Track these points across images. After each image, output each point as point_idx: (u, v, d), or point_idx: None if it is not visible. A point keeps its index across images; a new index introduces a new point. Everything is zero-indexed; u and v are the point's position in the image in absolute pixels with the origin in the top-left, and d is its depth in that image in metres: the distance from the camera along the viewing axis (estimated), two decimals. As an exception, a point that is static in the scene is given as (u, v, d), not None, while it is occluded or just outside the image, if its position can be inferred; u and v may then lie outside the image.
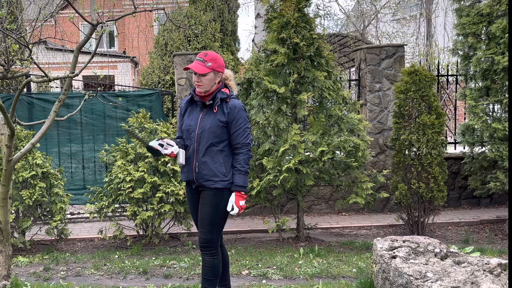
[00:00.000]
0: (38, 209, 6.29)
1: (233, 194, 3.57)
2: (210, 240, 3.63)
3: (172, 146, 3.61)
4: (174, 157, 3.66)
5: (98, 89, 7.32)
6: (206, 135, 3.59)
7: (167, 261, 5.51)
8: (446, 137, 7.83)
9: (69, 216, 7.44)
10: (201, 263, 5.38)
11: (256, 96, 6.09)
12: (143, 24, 10.54)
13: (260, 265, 5.30)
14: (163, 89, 10.80)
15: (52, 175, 6.25)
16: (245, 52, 34.03)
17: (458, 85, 8.55)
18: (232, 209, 3.57)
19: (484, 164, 6.77)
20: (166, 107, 10.43)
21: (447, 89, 10.74)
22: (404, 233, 6.51)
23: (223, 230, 3.79)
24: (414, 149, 6.32)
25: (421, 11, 18.45)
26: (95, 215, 6.39)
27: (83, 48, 4.06)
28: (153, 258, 5.74)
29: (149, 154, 6.08)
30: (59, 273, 5.24)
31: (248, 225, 7.37)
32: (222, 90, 3.65)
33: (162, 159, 6.09)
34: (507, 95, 6.34)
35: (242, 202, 3.58)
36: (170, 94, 9.65)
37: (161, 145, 3.61)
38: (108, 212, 6.29)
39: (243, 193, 3.59)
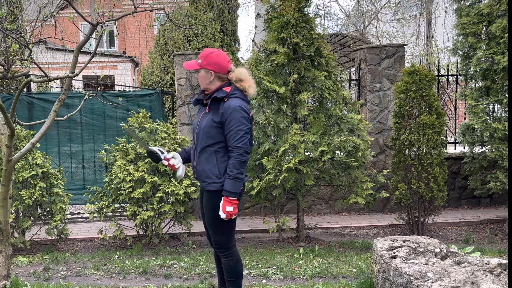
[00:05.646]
0: (38, 209, 6.29)
1: (222, 199, 3.43)
2: (219, 242, 3.59)
3: (175, 159, 3.71)
4: (175, 169, 3.71)
5: (98, 89, 7.32)
6: (201, 135, 3.54)
7: (167, 261, 5.51)
8: (446, 137, 7.83)
9: (69, 216, 7.43)
10: (201, 263, 5.40)
11: (256, 96, 6.09)
12: (143, 24, 10.54)
13: (260, 265, 5.30)
14: (163, 89, 10.80)
15: (52, 175, 6.25)
16: (245, 52, 34.04)
17: (458, 85, 8.55)
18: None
19: (484, 164, 6.77)
20: (167, 107, 10.42)
21: (447, 89, 10.74)
22: (404, 233, 6.51)
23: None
24: (414, 149, 6.32)
25: (421, 11, 18.43)
26: (95, 215, 6.39)
27: (83, 48, 4.06)
28: (153, 258, 5.74)
29: (140, 151, 6.10)
30: (59, 273, 5.23)
31: (248, 225, 7.37)
32: (224, 89, 3.50)
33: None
34: (507, 95, 6.34)
35: (229, 208, 3.38)
36: (170, 94, 9.65)
37: (161, 152, 3.73)
38: (108, 212, 6.29)
39: (231, 198, 3.39)
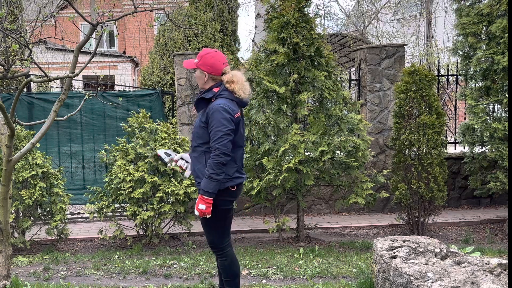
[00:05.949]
0: (38, 209, 6.29)
1: (198, 196, 3.46)
2: (211, 241, 3.65)
3: (183, 160, 3.83)
4: (183, 169, 3.84)
5: (98, 89, 7.32)
6: (193, 135, 3.64)
7: (167, 261, 5.51)
8: (446, 137, 7.83)
9: (69, 216, 7.43)
10: (201, 263, 5.40)
11: (256, 96, 6.09)
12: (143, 24, 10.54)
13: (260, 265, 5.30)
14: (163, 89, 10.80)
15: (52, 175, 6.25)
16: (245, 52, 34.10)
17: (458, 85, 8.55)
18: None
19: (484, 164, 6.77)
20: (167, 107, 10.42)
21: (447, 89, 10.74)
22: (404, 233, 6.51)
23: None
24: (414, 149, 6.32)
25: (421, 11, 18.46)
26: (95, 215, 6.38)
27: (83, 48, 4.06)
28: (153, 258, 5.74)
29: (149, 155, 6.11)
30: (59, 273, 5.23)
31: (248, 225, 7.37)
32: (214, 89, 3.54)
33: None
34: (507, 95, 6.34)
35: (202, 206, 3.40)
36: (170, 94, 9.65)
37: (168, 154, 3.88)
38: (108, 212, 6.29)
39: (205, 197, 3.39)
